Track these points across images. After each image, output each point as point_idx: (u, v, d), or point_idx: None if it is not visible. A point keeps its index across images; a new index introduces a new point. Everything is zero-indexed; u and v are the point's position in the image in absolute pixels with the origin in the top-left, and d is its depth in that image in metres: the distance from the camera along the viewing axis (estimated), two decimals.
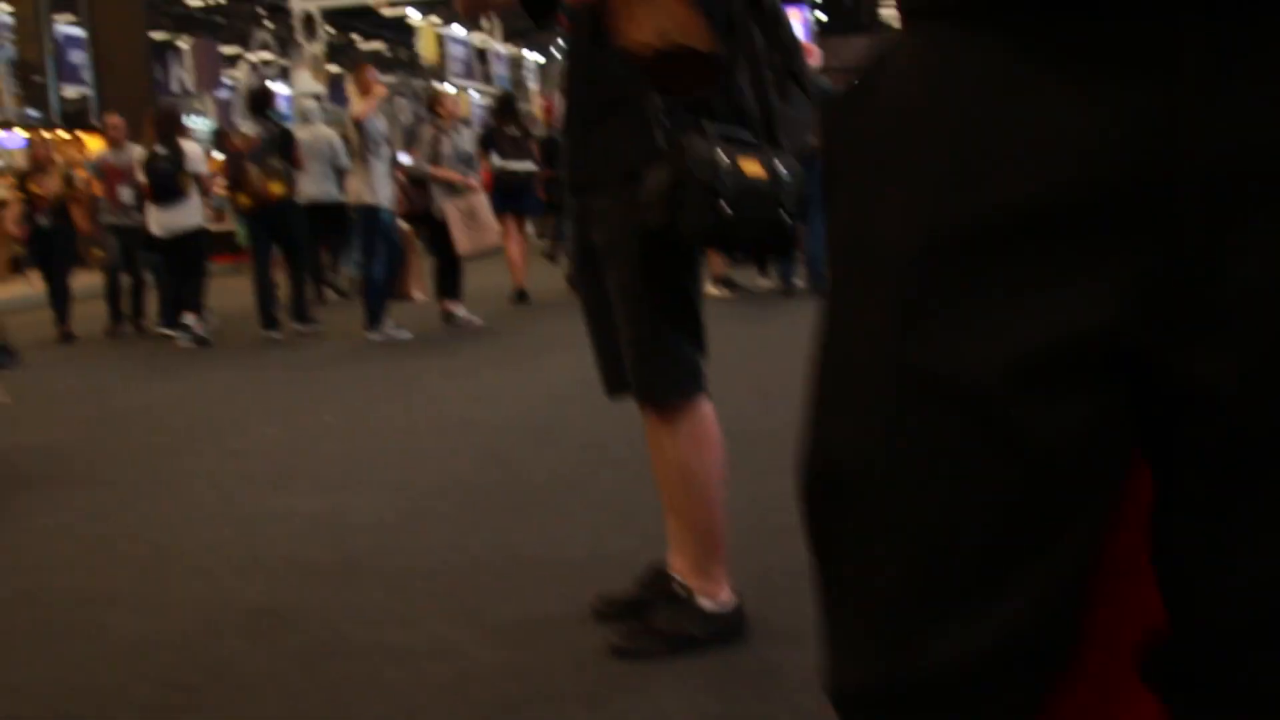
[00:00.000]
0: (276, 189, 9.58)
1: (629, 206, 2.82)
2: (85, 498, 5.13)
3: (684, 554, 3.11)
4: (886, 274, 0.90)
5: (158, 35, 29.17)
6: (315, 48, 29.95)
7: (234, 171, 9.97)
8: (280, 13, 32.14)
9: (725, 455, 3.06)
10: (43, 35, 22.54)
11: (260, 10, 34.49)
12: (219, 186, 10.83)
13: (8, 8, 23.37)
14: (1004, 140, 0.84)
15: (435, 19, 34.24)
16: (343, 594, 3.71)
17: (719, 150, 2.72)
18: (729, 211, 2.69)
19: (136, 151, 10.56)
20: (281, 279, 10.51)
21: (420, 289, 10.52)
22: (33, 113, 23.63)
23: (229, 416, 6.97)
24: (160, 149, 9.94)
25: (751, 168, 2.73)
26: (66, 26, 24.15)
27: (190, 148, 10.13)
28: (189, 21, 35.96)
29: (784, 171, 2.77)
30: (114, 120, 11.17)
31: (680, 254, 2.92)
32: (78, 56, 23.71)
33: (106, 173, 10.75)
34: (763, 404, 5.55)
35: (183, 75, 31.55)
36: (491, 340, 9.40)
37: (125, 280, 11.17)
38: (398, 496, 4.78)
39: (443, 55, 31.85)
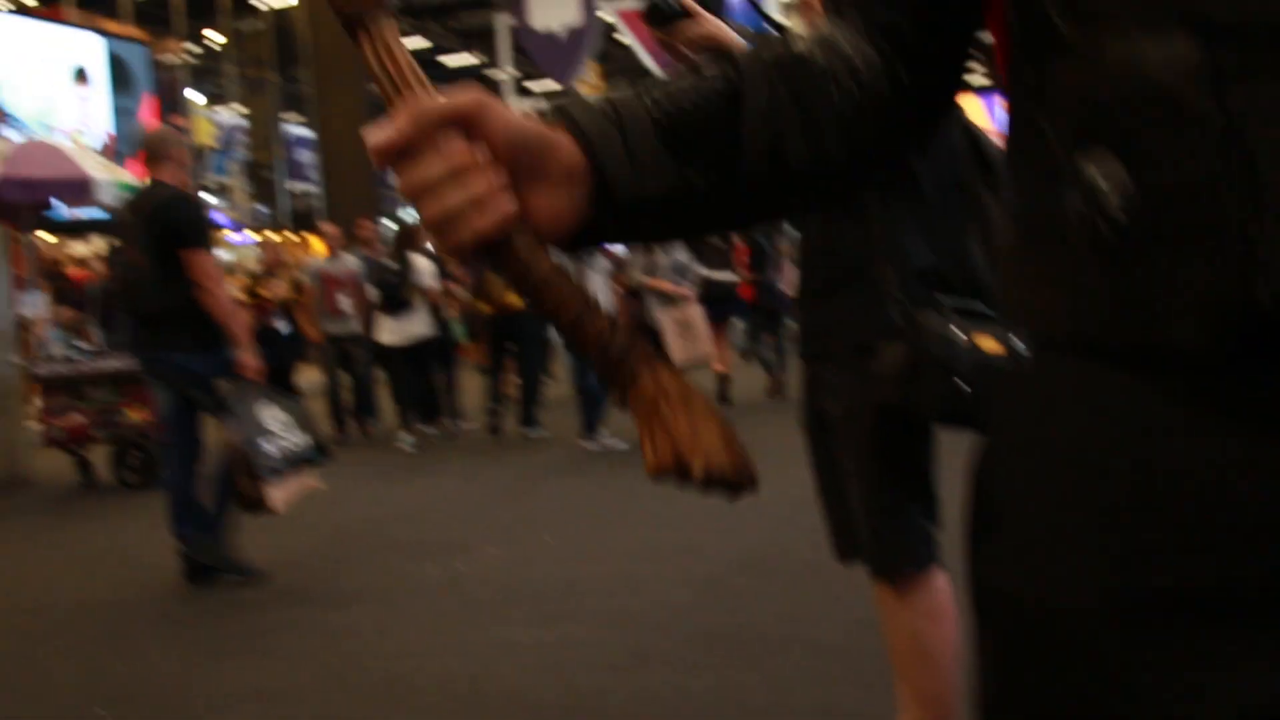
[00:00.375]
0: (515, 300, 10.03)
1: (862, 380, 2.82)
2: (320, 619, 5.29)
3: None
4: (1072, 642, 0.87)
5: None
6: None
7: (477, 280, 10.42)
8: None
9: (960, 626, 3.01)
10: (274, 137, 23.55)
11: None
12: (455, 293, 11.20)
13: (243, 109, 24.49)
14: (1189, 506, 0.81)
15: None
16: None
17: (954, 326, 2.70)
18: (966, 389, 2.66)
19: (353, 260, 10.98)
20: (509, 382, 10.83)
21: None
22: (262, 209, 24.72)
23: (452, 531, 7.12)
24: (392, 263, 10.35)
25: (988, 344, 2.70)
26: (296, 127, 25.22)
27: (421, 262, 10.48)
28: None
29: (1021, 346, 2.73)
30: (330, 229, 11.59)
31: (914, 426, 2.89)
32: (305, 155, 24.72)
33: (325, 281, 11.14)
34: None
35: None
36: None
37: (346, 383, 11.56)
38: (618, 630, 4.80)
39: None
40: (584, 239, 0.97)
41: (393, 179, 0.92)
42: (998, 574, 0.94)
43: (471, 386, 11.64)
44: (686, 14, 2.89)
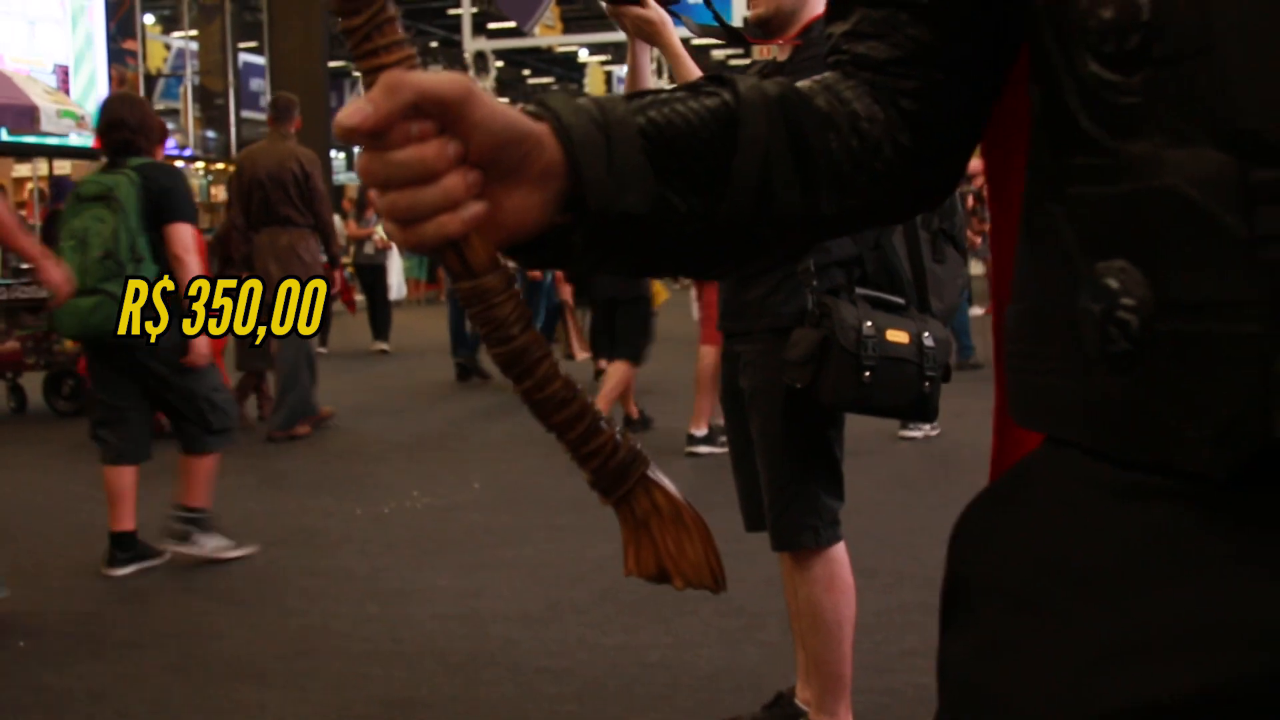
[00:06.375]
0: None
1: (775, 359, 2.91)
2: (241, 562, 5.34)
3: (811, 687, 3.18)
4: None
5: (334, 64, 29.93)
6: (486, 82, 30.53)
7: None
8: (452, 46, 32.85)
9: (855, 597, 3.13)
10: (229, 65, 23.27)
11: (433, 44, 35.25)
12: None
13: (193, 32, 24.13)
14: (1182, 616, 0.77)
15: (605, 57, 34.66)
16: (475, 690, 3.82)
17: (865, 317, 2.80)
18: (867, 378, 2.77)
19: None
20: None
21: (583, 347, 10.68)
22: (212, 135, 24.44)
23: (381, 476, 7.19)
24: None
25: (896, 336, 2.80)
26: (247, 54, 24.92)
27: None
28: None
29: (929, 340, 2.84)
30: None
31: (821, 407, 2.99)
32: (257, 84, 24.45)
33: None
34: (900, 504, 5.57)
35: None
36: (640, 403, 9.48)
37: None
38: (535, 581, 4.90)
39: (609, 93, 32.23)
40: (547, 251, 0.89)
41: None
42: (963, 665, 0.92)
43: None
44: None
